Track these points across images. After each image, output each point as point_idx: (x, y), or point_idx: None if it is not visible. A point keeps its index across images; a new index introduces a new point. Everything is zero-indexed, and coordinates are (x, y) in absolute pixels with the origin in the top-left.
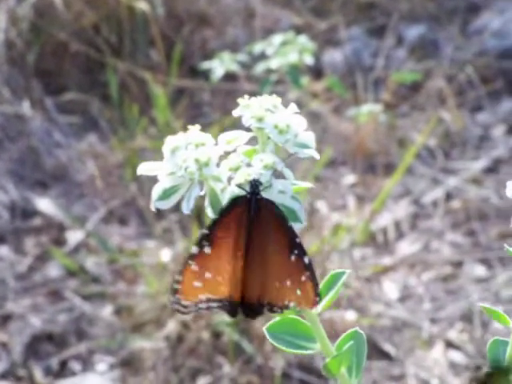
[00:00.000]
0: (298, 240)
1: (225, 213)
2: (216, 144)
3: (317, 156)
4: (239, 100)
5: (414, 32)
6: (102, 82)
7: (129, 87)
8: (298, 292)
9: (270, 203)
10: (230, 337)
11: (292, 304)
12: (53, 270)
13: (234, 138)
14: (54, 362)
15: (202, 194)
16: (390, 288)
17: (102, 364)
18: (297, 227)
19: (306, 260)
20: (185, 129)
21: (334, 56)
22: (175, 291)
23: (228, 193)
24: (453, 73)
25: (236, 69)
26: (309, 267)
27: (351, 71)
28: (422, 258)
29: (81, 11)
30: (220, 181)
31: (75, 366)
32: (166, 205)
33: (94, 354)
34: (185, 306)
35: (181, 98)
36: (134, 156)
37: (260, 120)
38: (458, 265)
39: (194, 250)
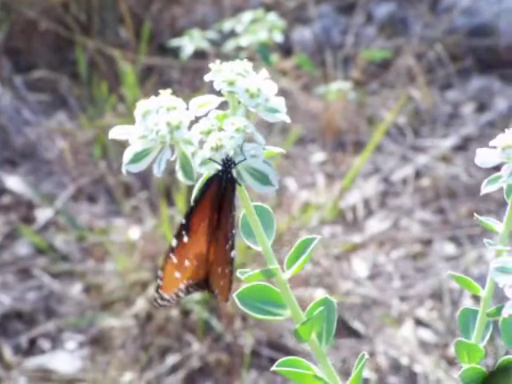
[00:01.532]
0: (233, 231)
1: (199, 197)
2: (187, 108)
3: (288, 120)
4: (211, 65)
5: (383, 10)
6: (71, 60)
7: (98, 65)
8: (221, 282)
9: (233, 184)
10: (198, 315)
11: (216, 292)
12: (22, 248)
13: (206, 103)
14: (23, 340)
15: (172, 158)
16: (360, 266)
17: (71, 342)
18: (270, 190)
19: (232, 255)
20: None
21: (304, 34)
22: (158, 287)
23: (199, 157)
24: (422, 50)
25: (205, 46)
26: (231, 262)
27: (320, 49)
28: (391, 235)
29: None
30: (191, 144)
31: (44, 344)
32: (136, 168)
33: (63, 332)
34: (167, 300)
35: (150, 75)
36: (102, 134)
37: (231, 84)
38: (428, 243)
39: (174, 242)
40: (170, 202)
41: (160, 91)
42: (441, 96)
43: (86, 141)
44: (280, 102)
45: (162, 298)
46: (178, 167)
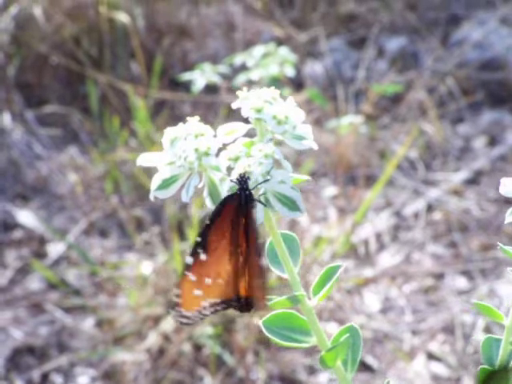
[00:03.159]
0: (260, 243)
1: (216, 216)
2: (215, 135)
3: (315, 146)
4: (238, 92)
5: (394, 44)
6: (83, 95)
7: (109, 99)
8: (258, 293)
9: (252, 200)
10: (211, 349)
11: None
12: (34, 283)
13: (233, 130)
14: (36, 375)
15: (200, 185)
16: (372, 300)
17: (83, 376)
18: (297, 215)
19: (264, 264)
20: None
21: (315, 68)
22: (176, 305)
23: (227, 183)
24: (433, 84)
25: (217, 80)
26: (264, 273)
27: (332, 83)
28: (403, 269)
29: (61, 24)
30: (219, 171)
31: (57, 378)
32: (165, 194)
33: (76, 366)
34: (188, 317)
35: (161, 110)
36: (114, 168)
37: (259, 111)
38: (440, 276)
39: (189, 260)
40: (182, 237)
41: (188, 118)
42: (452, 130)
43: (98, 175)
44: (307, 130)
45: (182, 316)
46: (205, 194)
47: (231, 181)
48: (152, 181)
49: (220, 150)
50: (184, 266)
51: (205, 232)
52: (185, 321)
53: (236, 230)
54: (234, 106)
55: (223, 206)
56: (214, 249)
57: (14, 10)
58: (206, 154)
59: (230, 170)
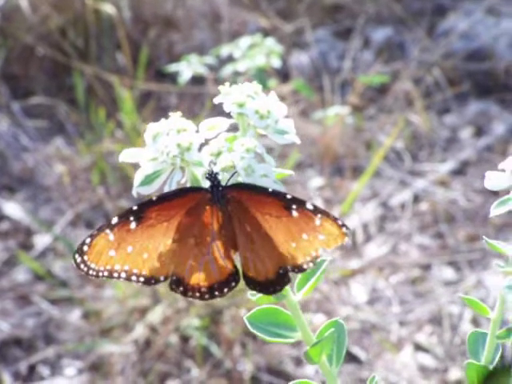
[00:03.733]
0: (289, 196)
1: (167, 198)
2: (197, 131)
3: (297, 140)
4: (220, 87)
5: (380, 34)
6: (69, 86)
7: (95, 91)
8: (321, 237)
9: (235, 187)
10: (198, 341)
11: (321, 251)
12: (20, 275)
13: (215, 125)
14: (23, 367)
15: (183, 180)
16: (359, 291)
17: (70, 368)
18: None
19: (310, 205)
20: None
21: (301, 59)
22: (81, 251)
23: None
24: (420, 75)
25: (204, 71)
26: (317, 209)
27: (318, 74)
28: (390, 260)
29: (47, 15)
30: (201, 166)
31: (44, 370)
32: (147, 190)
33: (63, 358)
34: (94, 270)
35: (147, 101)
36: (101, 159)
37: (241, 106)
38: (427, 267)
39: (114, 220)
40: None
41: (170, 113)
42: (439, 120)
43: (84, 166)
44: (289, 124)
45: (85, 264)
46: None
47: (206, 177)
48: (135, 177)
49: (202, 145)
50: (106, 223)
51: (145, 205)
52: (85, 270)
53: (200, 223)
54: (216, 100)
55: (184, 194)
56: (150, 225)
57: None
58: (189, 149)
59: (212, 165)
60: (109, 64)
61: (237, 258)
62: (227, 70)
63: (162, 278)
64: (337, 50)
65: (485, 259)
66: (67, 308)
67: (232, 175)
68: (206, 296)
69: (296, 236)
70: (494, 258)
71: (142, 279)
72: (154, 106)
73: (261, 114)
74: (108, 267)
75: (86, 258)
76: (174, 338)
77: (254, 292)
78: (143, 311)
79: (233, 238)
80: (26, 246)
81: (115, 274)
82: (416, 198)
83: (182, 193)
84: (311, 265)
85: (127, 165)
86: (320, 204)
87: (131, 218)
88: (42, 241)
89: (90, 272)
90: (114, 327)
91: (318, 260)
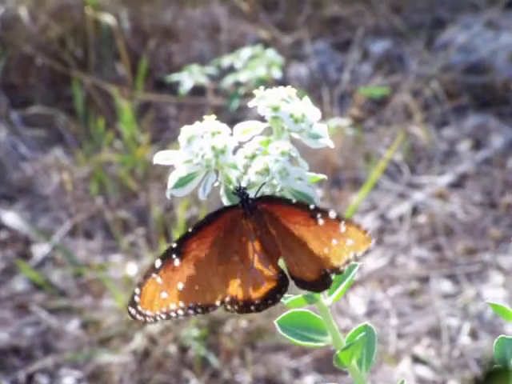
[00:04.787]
0: (311, 206)
1: (203, 225)
2: (231, 134)
3: (331, 145)
4: (255, 91)
5: (379, 47)
6: (68, 96)
7: (94, 101)
8: (350, 242)
9: (263, 200)
10: (197, 351)
11: (352, 256)
12: (19, 284)
13: (249, 128)
14: (21, 376)
15: (216, 184)
16: (357, 303)
17: (68, 378)
18: None
19: (332, 214)
20: (151, 142)
21: (300, 70)
22: (133, 303)
23: (244, 181)
24: (418, 87)
25: (205, 81)
26: (339, 217)
27: (317, 85)
28: (388, 272)
29: (47, 24)
30: (236, 168)
31: (42, 379)
32: (181, 193)
33: (61, 367)
34: (147, 316)
35: (146, 111)
36: (99, 170)
37: (275, 109)
38: (425, 280)
39: (158, 263)
40: (168, 238)
41: (204, 117)
42: (437, 133)
43: (83, 177)
44: (323, 128)
45: (141, 314)
46: (222, 192)
47: (233, 193)
48: (169, 179)
49: (236, 148)
50: (150, 267)
51: (183, 239)
52: (142, 319)
53: (239, 239)
54: (250, 104)
55: (217, 216)
56: (193, 256)
57: None
58: (223, 151)
59: (246, 168)
60: (108, 74)
61: (281, 264)
62: (228, 80)
63: (218, 303)
64: (336, 62)
65: (483, 272)
66: (66, 318)
67: (260, 187)
68: (261, 307)
69: (326, 242)
70: (493, 270)
71: (199, 310)
72: (152, 117)
73: (295, 118)
74: (164, 309)
75: (139, 308)
76: (172, 349)
77: (285, 295)
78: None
79: (273, 246)
80: (25, 256)
81: (173, 314)
82: (414, 211)
83: (215, 216)
84: (344, 268)
85: (126, 175)
86: None
87: (173, 256)
88: (40, 250)
89: (148, 320)
90: (113, 337)
91: (352, 262)
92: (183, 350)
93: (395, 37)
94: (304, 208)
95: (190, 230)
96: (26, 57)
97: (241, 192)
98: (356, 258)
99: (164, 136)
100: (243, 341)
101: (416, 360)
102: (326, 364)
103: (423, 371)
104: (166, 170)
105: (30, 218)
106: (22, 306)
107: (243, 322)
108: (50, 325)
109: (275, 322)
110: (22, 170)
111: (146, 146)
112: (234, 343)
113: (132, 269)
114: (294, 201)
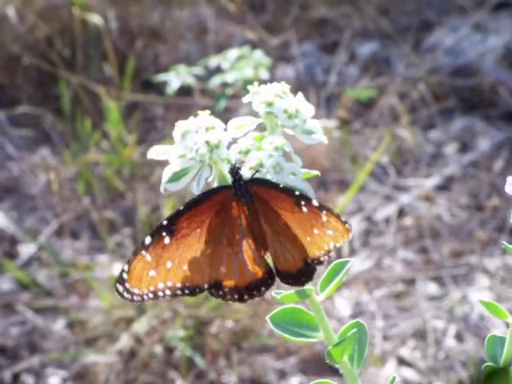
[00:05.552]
0: (297, 192)
1: (195, 204)
2: (225, 129)
3: (325, 141)
4: (249, 87)
5: (366, 49)
6: (55, 96)
7: (81, 101)
8: (329, 232)
9: (255, 182)
10: (182, 352)
11: (331, 246)
12: (5, 283)
13: (243, 124)
14: (7, 375)
15: (210, 178)
16: (343, 305)
17: (54, 377)
18: None
19: (315, 202)
20: (138, 143)
21: (287, 72)
22: (122, 280)
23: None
24: (405, 90)
25: (192, 82)
26: (322, 206)
27: (304, 87)
28: (374, 275)
29: (34, 24)
30: (230, 163)
31: (28, 379)
32: (175, 187)
33: (47, 367)
34: (135, 294)
35: (134, 112)
36: (86, 170)
37: (269, 105)
38: (411, 282)
39: (148, 240)
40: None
41: (198, 112)
42: (424, 136)
43: (70, 176)
44: (316, 124)
45: (129, 291)
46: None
47: (228, 172)
48: (163, 174)
49: (230, 143)
50: (140, 245)
51: (175, 217)
52: (129, 297)
53: (229, 222)
54: (244, 100)
55: (209, 196)
56: (184, 235)
57: None
58: (217, 146)
59: (240, 163)
60: (95, 74)
61: (268, 257)
62: (215, 80)
63: (205, 286)
64: (323, 64)
65: (469, 275)
66: (52, 317)
67: (255, 172)
68: (245, 297)
69: (309, 231)
70: (479, 273)
71: (187, 291)
72: (139, 117)
73: (289, 114)
74: (151, 288)
75: (127, 285)
76: (158, 349)
77: (278, 291)
78: (128, 321)
79: (261, 232)
80: (11, 255)
81: (160, 293)
82: (401, 213)
83: (207, 195)
84: (326, 258)
85: (113, 175)
86: None
87: (164, 233)
88: (26, 250)
89: (135, 298)
90: (99, 337)
91: (331, 254)
92: (169, 350)
93: (382, 39)
94: (290, 194)
95: (181, 207)
96: (13, 56)
97: (234, 171)
98: (335, 249)
99: (151, 136)
100: (229, 342)
101: (402, 362)
102: (312, 365)
103: (409, 373)
104: (153, 170)
105: (17, 218)
106: (7, 306)
107: (229, 322)
108: (35, 324)
109: (267, 317)
110: (8, 169)
111: (132, 147)
112: (219, 344)
113: (118, 269)
114: (280, 185)
